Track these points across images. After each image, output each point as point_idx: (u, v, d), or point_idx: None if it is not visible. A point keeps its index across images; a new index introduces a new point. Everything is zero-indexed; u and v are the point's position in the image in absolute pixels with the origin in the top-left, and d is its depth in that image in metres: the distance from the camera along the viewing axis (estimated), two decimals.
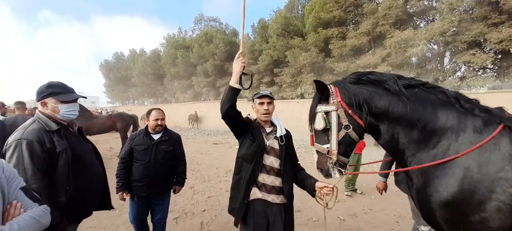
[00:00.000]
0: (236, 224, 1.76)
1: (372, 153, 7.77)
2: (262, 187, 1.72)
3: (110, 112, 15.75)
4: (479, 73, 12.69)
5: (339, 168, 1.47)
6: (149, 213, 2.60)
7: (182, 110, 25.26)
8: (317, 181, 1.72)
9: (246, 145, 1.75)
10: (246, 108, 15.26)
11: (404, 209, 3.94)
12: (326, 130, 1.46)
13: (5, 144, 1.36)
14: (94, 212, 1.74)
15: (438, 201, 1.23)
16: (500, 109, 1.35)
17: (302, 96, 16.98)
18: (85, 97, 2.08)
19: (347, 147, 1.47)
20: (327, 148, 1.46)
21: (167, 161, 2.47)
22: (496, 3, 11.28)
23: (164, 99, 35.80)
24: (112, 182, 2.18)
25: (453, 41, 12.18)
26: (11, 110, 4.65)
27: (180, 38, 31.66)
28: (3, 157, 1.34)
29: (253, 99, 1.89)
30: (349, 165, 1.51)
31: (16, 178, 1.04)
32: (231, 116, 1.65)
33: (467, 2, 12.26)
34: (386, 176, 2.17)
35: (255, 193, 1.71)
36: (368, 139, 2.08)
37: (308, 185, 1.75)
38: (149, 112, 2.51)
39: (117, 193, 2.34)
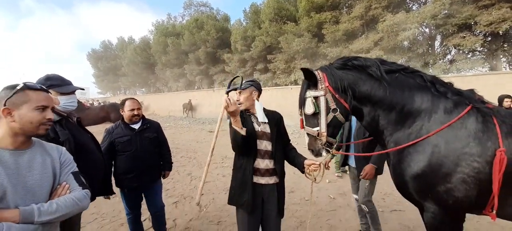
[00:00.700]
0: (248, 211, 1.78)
1: None
2: (257, 171, 1.82)
3: (102, 103, 15.54)
4: (469, 56, 12.95)
5: (327, 148, 1.60)
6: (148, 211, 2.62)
7: (176, 99, 25.08)
8: (306, 159, 1.85)
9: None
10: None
11: (389, 187, 4.19)
12: (316, 114, 1.57)
13: None
14: (96, 199, 1.83)
15: (410, 174, 1.38)
16: (471, 91, 1.48)
17: (295, 82, 17.03)
18: (83, 89, 2.11)
19: (334, 128, 1.59)
20: (317, 130, 1.57)
21: (154, 148, 2.50)
22: None
23: (157, 89, 35.28)
24: None
25: (444, 24, 12.29)
26: None
27: (170, 25, 30.75)
28: None
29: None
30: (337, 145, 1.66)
31: (70, 163, 1.18)
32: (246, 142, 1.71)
33: None
34: (377, 162, 2.32)
35: (252, 178, 1.81)
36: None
37: (298, 163, 1.88)
38: (123, 103, 2.47)
39: None
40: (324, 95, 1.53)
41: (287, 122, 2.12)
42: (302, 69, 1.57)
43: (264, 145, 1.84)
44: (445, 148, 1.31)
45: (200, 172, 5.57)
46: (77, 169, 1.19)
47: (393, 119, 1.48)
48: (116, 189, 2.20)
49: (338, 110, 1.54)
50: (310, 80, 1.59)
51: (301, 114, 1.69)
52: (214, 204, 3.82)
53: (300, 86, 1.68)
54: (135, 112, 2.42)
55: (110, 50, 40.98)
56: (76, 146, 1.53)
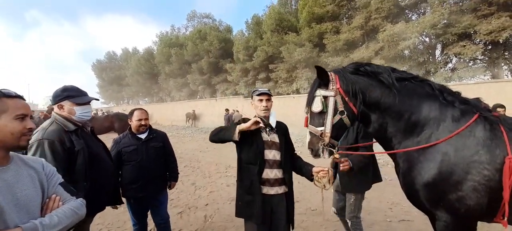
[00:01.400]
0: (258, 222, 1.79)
1: None
2: (266, 182, 1.81)
3: (105, 113, 15.67)
4: (470, 64, 13.01)
5: (330, 149, 1.60)
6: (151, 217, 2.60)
7: (179, 108, 25.24)
8: (313, 166, 1.85)
9: (246, 149, 1.83)
10: (243, 105, 15.38)
11: (396, 196, 4.15)
12: (322, 113, 1.58)
13: None
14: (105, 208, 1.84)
15: (421, 182, 1.39)
16: (477, 100, 1.51)
17: (297, 91, 17.13)
18: (98, 99, 2.15)
19: (339, 131, 1.60)
20: (321, 130, 1.58)
21: (160, 157, 2.50)
22: None
23: (160, 98, 35.57)
24: None
25: (444, 33, 12.41)
26: None
27: (173, 36, 31.36)
28: None
29: (251, 96, 1.97)
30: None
31: (55, 174, 1.11)
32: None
33: None
34: (355, 162, 2.10)
35: (260, 189, 1.81)
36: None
37: (306, 171, 1.88)
38: (131, 113, 2.48)
39: None
40: (334, 96, 1.55)
41: (290, 131, 2.14)
42: (316, 67, 1.59)
43: (273, 155, 1.85)
44: (454, 155, 1.32)
45: (204, 181, 5.55)
46: (63, 180, 1.15)
47: (402, 127, 1.50)
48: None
49: (346, 113, 1.55)
50: (322, 80, 1.60)
51: (307, 112, 1.69)
52: (219, 214, 3.79)
53: (302, 95, 1.70)
54: (143, 122, 2.43)
55: (114, 61, 41.71)
56: (90, 155, 1.56)
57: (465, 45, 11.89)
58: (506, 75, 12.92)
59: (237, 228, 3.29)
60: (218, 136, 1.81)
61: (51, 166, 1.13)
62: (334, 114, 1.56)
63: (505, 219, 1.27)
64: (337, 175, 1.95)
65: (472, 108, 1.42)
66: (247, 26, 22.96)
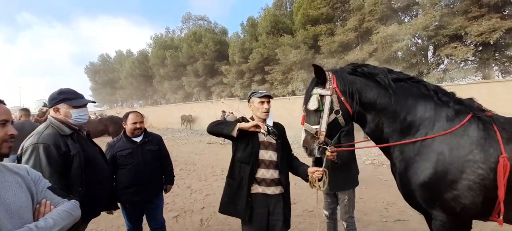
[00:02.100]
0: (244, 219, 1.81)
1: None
2: (262, 182, 1.82)
3: (99, 116, 15.45)
4: (461, 65, 13.28)
5: (324, 146, 1.61)
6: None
7: (174, 111, 25.05)
8: (309, 166, 1.86)
9: (242, 147, 1.84)
10: (239, 107, 15.35)
11: (392, 197, 4.18)
12: (318, 112, 1.59)
13: (20, 148, 1.42)
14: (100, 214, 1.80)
15: (417, 182, 1.40)
16: (471, 100, 1.52)
17: (293, 93, 17.20)
18: (94, 102, 2.10)
19: (333, 130, 1.61)
20: (316, 128, 1.59)
21: (156, 160, 2.47)
22: None
23: (154, 101, 35.27)
24: None
25: (436, 35, 12.66)
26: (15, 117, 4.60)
27: (168, 38, 31.20)
28: (19, 161, 1.39)
29: (249, 98, 1.96)
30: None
31: (41, 179, 1.08)
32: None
33: None
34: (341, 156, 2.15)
35: (256, 188, 1.82)
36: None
37: (302, 172, 1.90)
38: (126, 116, 2.44)
39: None
40: (330, 95, 1.56)
41: (286, 132, 2.14)
42: (313, 65, 1.59)
43: (269, 155, 1.86)
44: (449, 155, 1.33)
45: (199, 184, 5.50)
46: (50, 184, 1.11)
47: (398, 127, 1.52)
48: None
49: (341, 112, 1.57)
50: (319, 78, 1.61)
51: (303, 111, 1.70)
52: (215, 217, 3.75)
53: (298, 96, 1.71)
54: (138, 125, 2.39)
55: (108, 63, 41.20)
56: (85, 160, 1.53)
57: (456, 47, 12.14)
58: (496, 75, 13.23)
59: (234, 230, 3.26)
60: (217, 129, 1.82)
61: (35, 172, 1.09)
62: (330, 113, 1.57)
63: (501, 217, 1.28)
64: (326, 175, 1.95)
65: (466, 108, 1.44)
66: (243, 28, 23.03)
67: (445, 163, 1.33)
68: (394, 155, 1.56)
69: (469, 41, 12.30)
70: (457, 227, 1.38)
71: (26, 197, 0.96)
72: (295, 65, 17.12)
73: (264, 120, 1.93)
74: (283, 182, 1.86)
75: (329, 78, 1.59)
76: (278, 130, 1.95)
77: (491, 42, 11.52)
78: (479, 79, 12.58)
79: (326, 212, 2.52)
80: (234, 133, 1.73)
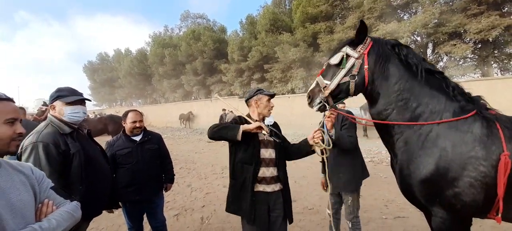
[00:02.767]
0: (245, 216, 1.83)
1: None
2: (263, 180, 1.84)
3: (98, 115, 15.40)
4: (460, 62, 13.30)
5: (325, 103, 1.61)
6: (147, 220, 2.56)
7: (173, 110, 25.01)
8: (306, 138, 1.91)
9: (243, 148, 1.84)
10: (238, 105, 15.35)
11: (392, 194, 4.20)
12: (336, 68, 1.58)
13: (20, 147, 1.41)
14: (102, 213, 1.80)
15: (418, 177, 1.40)
16: (479, 97, 1.51)
17: (292, 91, 17.19)
18: (89, 100, 2.09)
19: (341, 93, 1.60)
20: (326, 83, 1.58)
21: (156, 159, 2.47)
22: None
23: (153, 100, 35.18)
24: None
25: (435, 32, 12.66)
26: None
27: (167, 36, 31.07)
28: (18, 159, 1.39)
29: (253, 95, 1.95)
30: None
31: (45, 179, 1.08)
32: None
33: None
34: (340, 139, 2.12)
35: (257, 187, 1.83)
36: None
37: (303, 145, 1.94)
38: (125, 115, 2.43)
39: None
40: (356, 58, 1.53)
41: (286, 131, 2.15)
42: (361, 21, 1.52)
43: (269, 153, 1.88)
44: (452, 151, 1.33)
45: (200, 183, 5.51)
46: (53, 184, 1.11)
47: (408, 117, 1.48)
48: None
49: (356, 79, 1.54)
50: (357, 38, 1.56)
51: (324, 66, 1.68)
52: (215, 215, 3.76)
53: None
54: (137, 124, 2.38)
55: (106, 62, 41.00)
56: (85, 158, 1.53)
57: (455, 44, 12.14)
58: (495, 73, 13.25)
59: (234, 229, 3.27)
60: (220, 133, 1.79)
61: (39, 171, 1.10)
62: (346, 74, 1.55)
63: (499, 215, 1.28)
64: (327, 175, 1.97)
65: (472, 105, 1.43)
66: (241, 26, 22.93)
67: (448, 159, 1.33)
68: (398, 145, 1.53)
69: (468, 39, 12.30)
70: (458, 224, 1.38)
71: (30, 197, 0.96)
72: (294, 63, 17.08)
73: (263, 118, 1.95)
74: (282, 178, 1.89)
75: (365, 43, 1.54)
76: (276, 128, 1.99)
77: (490, 39, 11.53)
78: (478, 77, 12.62)
79: (330, 211, 2.52)
80: (239, 137, 1.71)
